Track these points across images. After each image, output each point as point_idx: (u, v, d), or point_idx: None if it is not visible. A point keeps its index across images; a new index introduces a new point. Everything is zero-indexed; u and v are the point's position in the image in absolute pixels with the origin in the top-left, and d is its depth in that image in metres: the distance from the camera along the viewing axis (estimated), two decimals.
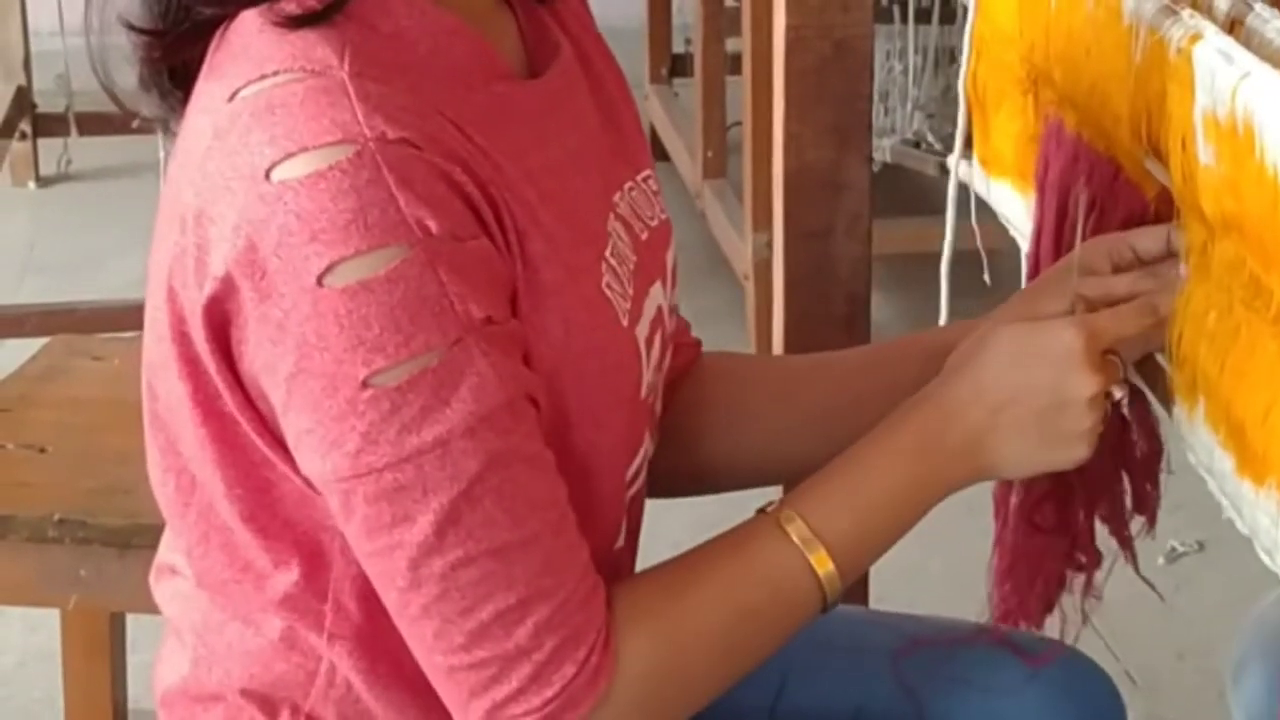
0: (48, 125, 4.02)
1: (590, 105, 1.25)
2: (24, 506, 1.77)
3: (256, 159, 1.05)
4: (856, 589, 1.70)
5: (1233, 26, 1.15)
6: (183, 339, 1.12)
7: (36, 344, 2.16)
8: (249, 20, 1.11)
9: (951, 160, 1.63)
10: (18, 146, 4.01)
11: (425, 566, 1.08)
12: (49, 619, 2.05)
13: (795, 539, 1.16)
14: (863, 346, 1.52)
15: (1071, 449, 1.19)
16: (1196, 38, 1.14)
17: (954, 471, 1.19)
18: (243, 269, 1.06)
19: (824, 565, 1.15)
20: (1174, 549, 2.73)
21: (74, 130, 3.95)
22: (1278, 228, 1.05)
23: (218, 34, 1.12)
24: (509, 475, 1.08)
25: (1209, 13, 1.17)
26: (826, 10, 1.61)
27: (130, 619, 1.99)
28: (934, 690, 1.36)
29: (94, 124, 3.85)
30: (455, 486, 1.07)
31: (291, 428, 1.09)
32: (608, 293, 1.18)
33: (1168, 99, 1.17)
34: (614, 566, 1.23)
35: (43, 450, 1.87)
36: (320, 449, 1.08)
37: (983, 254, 1.62)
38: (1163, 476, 1.38)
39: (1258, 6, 1.15)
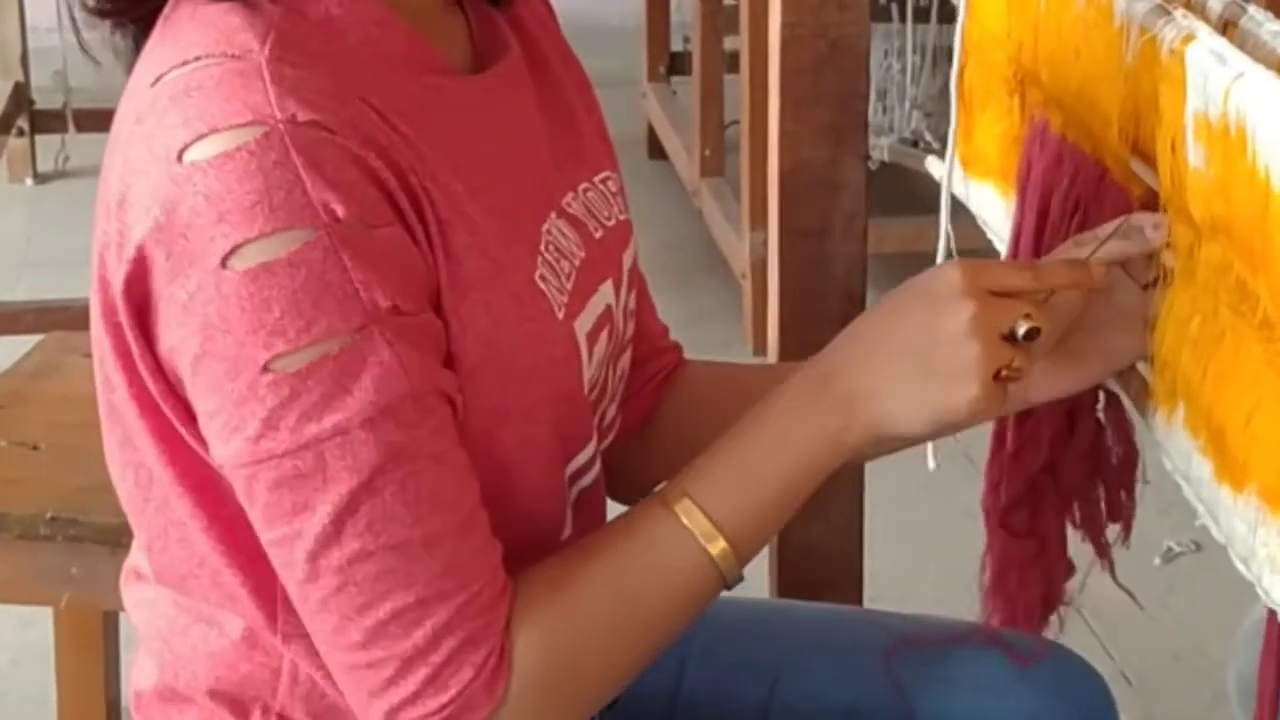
0: (45, 122, 4.02)
1: (535, 107, 1.25)
2: (16, 504, 1.77)
3: (170, 140, 1.05)
4: (850, 590, 1.70)
5: (1225, 28, 1.15)
6: (115, 329, 1.12)
7: (30, 341, 2.16)
8: (184, 8, 1.11)
9: (933, 161, 1.63)
10: (15, 143, 4.01)
11: (323, 558, 1.06)
12: (41, 616, 2.05)
13: (685, 521, 1.13)
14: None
15: (958, 386, 1.10)
16: (1189, 38, 1.13)
17: (842, 431, 1.13)
18: (153, 249, 1.06)
19: (717, 545, 1.12)
20: (1170, 549, 2.72)
21: (71, 127, 3.95)
22: (1267, 231, 1.04)
23: (159, 21, 1.13)
24: (413, 470, 1.06)
25: (1202, 14, 1.16)
26: (822, 9, 1.60)
27: (123, 616, 1.98)
28: (925, 689, 1.36)
29: (91, 120, 3.84)
30: (355, 477, 1.05)
31: (199, 411, 1.09)
32: (541, 285, 1.17)
33: (1159, 100, 1.16)
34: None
35: (35, 448, 1.87)
36: (223, 434, 1.07)
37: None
38: (1155, 478, 1.37)
39: (1251, 9, 1.14)
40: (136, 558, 1.24)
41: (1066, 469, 1.35)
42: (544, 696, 1.11)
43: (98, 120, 3.80)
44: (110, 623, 1.97)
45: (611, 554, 1.14)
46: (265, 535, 1.09)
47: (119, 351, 1.12)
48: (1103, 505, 1.37)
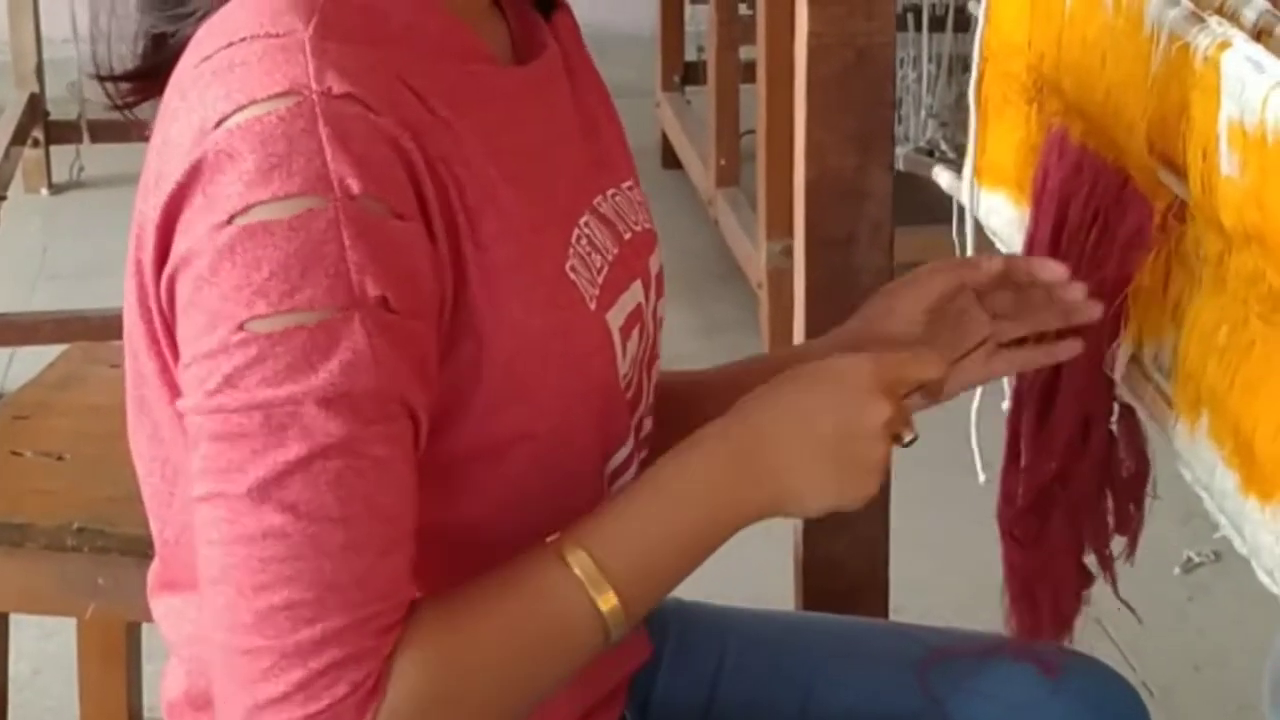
0: (60, 132, 4.02)
1: (570, 107, 1.25)
2: (43, 515, 1.77)
3: (209, 113, 1.05)
4: (876, 602, 1.69)
5: (1260, 36, 1.14)
6: (147, 314, 1.12)
7: (53, 351, 2.16)
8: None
9: (940, 171, 1.62)
10: (30, 154, 4.01)
11: (239, 524, 1.04)
12: (64, 626, 2.05)
13: (579, 572, 1.11)
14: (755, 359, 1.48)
15: (862, 481, 1.14)
16: (1225, 45, 1.12)
17: (745, 503, 1.14)
18: (176, 210, 1.06)
19: (608, 602, 1.11)
20: (1190, 559, 2.72)
21: (86, 137, 3.95)
22: None
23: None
24: (354, 466, 1.04)
25: (1235, 22, 1.15)
26: (850, 18, 1.60)
27: (146, 628, 1.98)
28: (959, 702, 1.36)
29: (106, 131, 3.86)
30: (294, 450, 1.03)
31: (180, 365, 1.08)
32: (571, 275, 1.17)
33: (1190, 107, 1.15)
34: None
35: (61, 458, 1.86)
36: (190, 385, 1.06)
37: None
38: (1173, 488, 1.37)
39: None
40: (159, 565, 1.24)
41: (1078, 480, 1.35)
42: None
43: (112, 131, 3.83)
44: (133, 634, 1.97)
45: (505, 599, 1.11)
46: (194, 491, 1.06)
47: (150, 335, 1.12)
48: (1110, 518, 1.37)
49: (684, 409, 1.30)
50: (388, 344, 1.05)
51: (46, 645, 2.51)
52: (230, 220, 1.03)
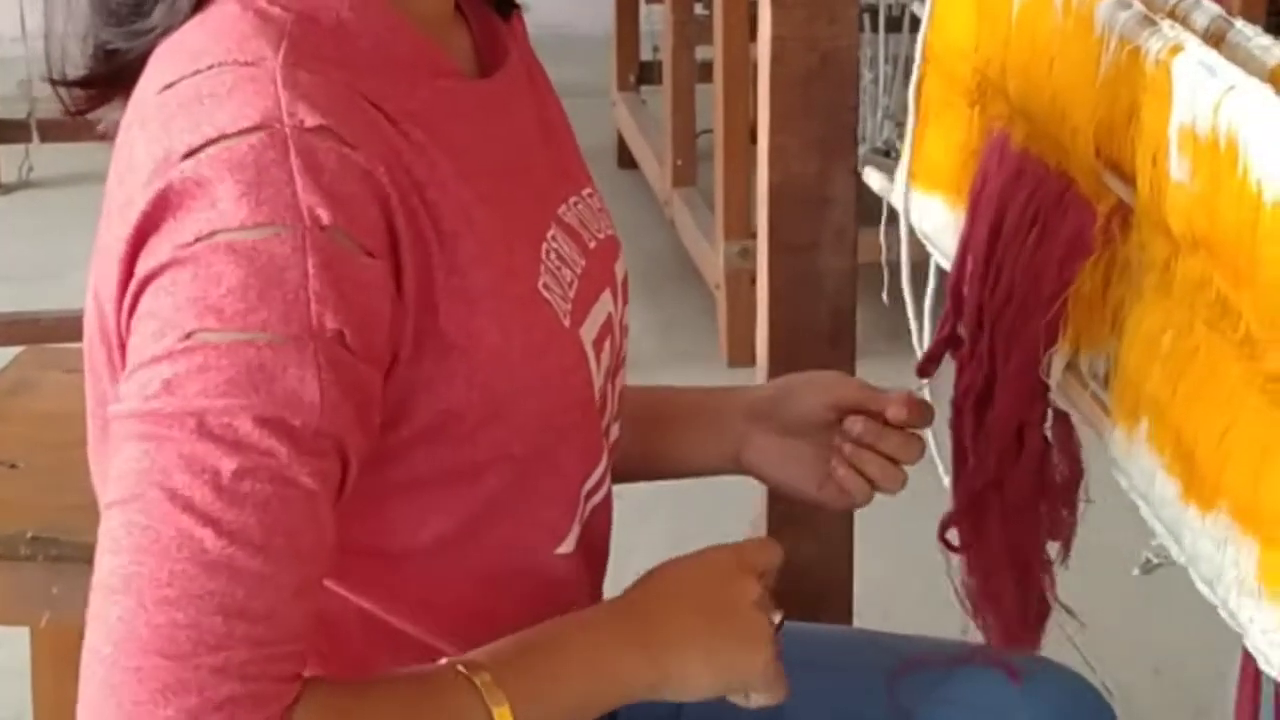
0: (9, 132, 4.00)
1: (533, 115, 1.25)
2: None
3: (175, 144, 1.03)
4: (841, 607, 1.69)
5: (1210, 42, 1.13)
6: (107, 340, 1.10)
7: (5, 356, 2.14)
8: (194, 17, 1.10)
9: (870, 173, 1.62)
10: None
11: (153, 530, 0.99)
12: (14, 635, 2.02)
13: (478, 682, 1.08)
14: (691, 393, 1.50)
15: (754, 648, 1.16)
16: (1177, 49, 1.11)
17: (637, 680, 1.15)
18: (142, 238, 1.04)
19: (504, 716, 1.07)
20: (1148, 561, 2.71)
21: (36, 137, 3.93)
22: (1253, 247, 1.03)
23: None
24: (282, 494, 1.00)
25: (1186, 27, 1.14)
26: (812, 22, 1.59)
27: None
28: (927, 712, 1.36)
29: (56, 131, 3.84)
30: (225, 463, 0.99)
31: (124, 371, 1.05)
32: (545, 293, 1.16)
33: (1141, 111, 1.15)
34: (552, 571, 1.20)
35: (14, 466, 1.84)
36: (128, 392, 1.02)
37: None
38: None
39: (1238, 23, 1.12)
40: None
41: (1013, 486, 1.34)
42: None
43: (62, 131, 3.80)
44: None
45: (403, 701, 1.08)
46: (108, 495, 1.02)
47: (112, 365, 1.10)
48: (1044, 521, 1.36)
49: (644, 431, 1.35)
50: (335, 380, 1.02)
51: (1, 654, 2.48)
52: (195, 241, 1.02)
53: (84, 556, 1.70)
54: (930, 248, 1.49)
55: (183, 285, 1.01)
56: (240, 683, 0.99)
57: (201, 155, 1.02)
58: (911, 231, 1.51)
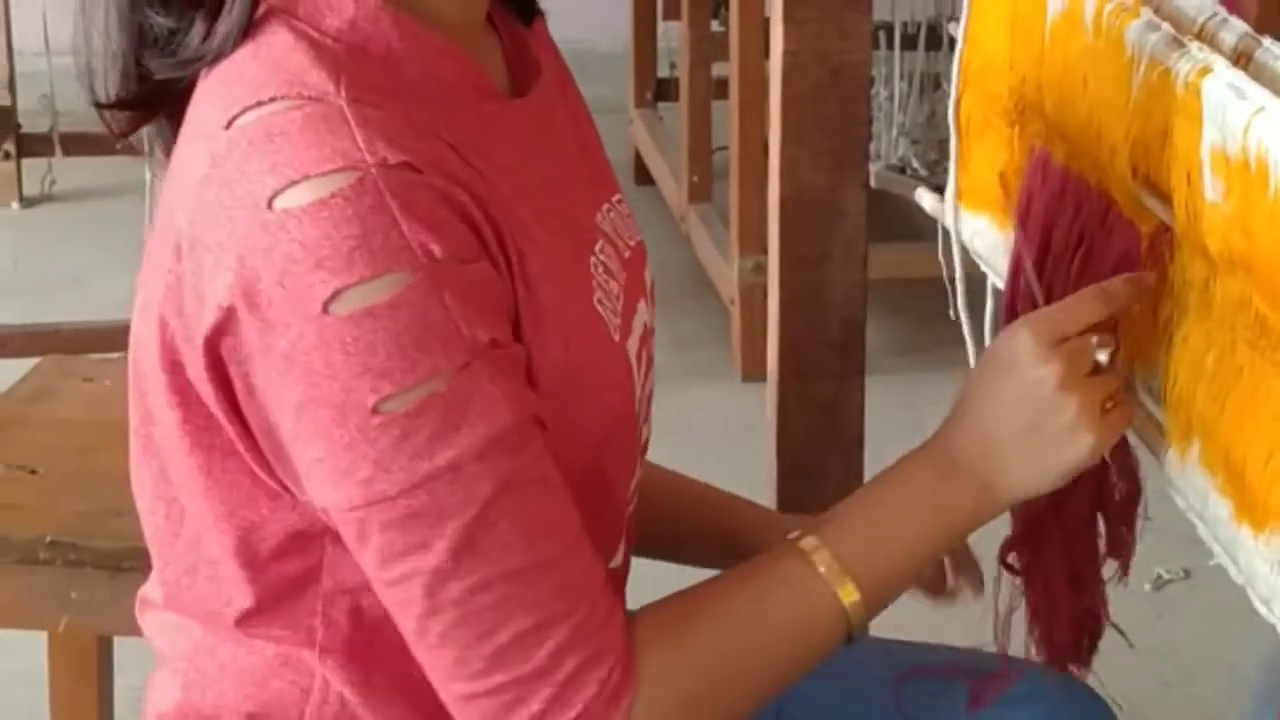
0: (32, 145, 4.01)
1: (569, 128, 1.26)
2: (15, 528, 1.76)
3: (257, 187, 1.05)
4: None
5: (1239, 61, 1.13)
6: (173, 368, 1.12)
7: (25, 365, 2.15)
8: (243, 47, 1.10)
9: (923, 192, 1.62)
10: (1, 166, 4.01)
11: (442, 592, 1.07)
12: (33, 640, 2.04)
13: (821, 568, 1.15)
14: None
15: (1074, 440, 1.15)
16: (1206, 71, 1.11)
17: (975, 507, 1.18)
18: (246, 299, 1.06)
19: (850, 595, 1.15)
20: (1160, 576, 2.73)
21: (58, 151, 3.94)
22: None
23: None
24: (521, 497, 1.08)
25: (1214, 46, 1.14)
26: (824, 36, 1.61)
27: (117, 642, 1.97)
28: (933, 718, 1.36)
29: (78, 144, 3.84)
30: (469, 510, 1.06)
31: (302, 457, 1.09)
32: (599, 308, 1.18)
33: (1173, 133, 1.15)
34: (612, 586, 1.22)
35: (34, 472, 1.86)
36: (332, 478, 1.07)
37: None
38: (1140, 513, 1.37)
39: (1266, 41, 1.12)
40: (153, 590, 1.23)
41: (1070, 508, 1.35)
42: None
43: (85, 144, 3.81)
44: (105, 648, 1.96)
45: (744, 592, 1.16)
46: (379, 576, 1.09)
47: (174, 388, 1.12)
48: (1102, 541, 1.37)
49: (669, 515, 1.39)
50: (508, 378, 1.08)
51: (12, 660, 2.49)
52: (325, 310, 1.04)
53: (102, 562, 1.74)
54: (985, 267, 1.49)
55: (339, 365, 1.05)
56: (573, 654, 1.09)
57: (292, 207, 1.04)
58: (964, 250, 1.51)
